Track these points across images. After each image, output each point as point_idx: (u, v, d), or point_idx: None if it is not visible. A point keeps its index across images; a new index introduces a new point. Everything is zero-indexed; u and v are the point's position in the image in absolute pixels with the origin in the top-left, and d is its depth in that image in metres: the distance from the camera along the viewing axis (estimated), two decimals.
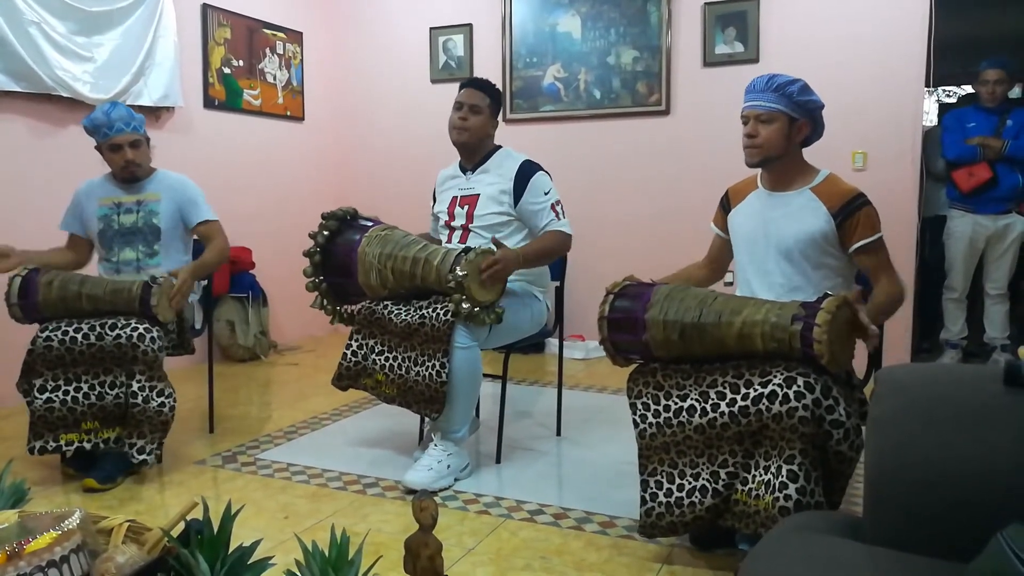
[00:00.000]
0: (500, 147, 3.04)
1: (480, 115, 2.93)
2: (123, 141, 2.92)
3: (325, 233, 2.84)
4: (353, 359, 2.81)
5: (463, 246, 2.76)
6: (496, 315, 2.67)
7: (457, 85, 3.09)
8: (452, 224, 3.00)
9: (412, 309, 2.68)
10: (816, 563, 1.26)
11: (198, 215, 3.09)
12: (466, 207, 2.97)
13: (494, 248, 2.70)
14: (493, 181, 2.94)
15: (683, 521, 2.02)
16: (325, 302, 2.89)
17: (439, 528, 1.34)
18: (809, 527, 1.42)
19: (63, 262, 3.02)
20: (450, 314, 2.59)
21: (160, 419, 2.68)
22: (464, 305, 2.56)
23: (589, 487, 2.69)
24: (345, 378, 2.84)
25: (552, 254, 2.92)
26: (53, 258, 3.00)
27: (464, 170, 3.04)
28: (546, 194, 2.90)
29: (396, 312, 2.71)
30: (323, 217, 2.87)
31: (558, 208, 2.90)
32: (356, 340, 2.81)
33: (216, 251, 3.08)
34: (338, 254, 2.83)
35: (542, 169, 2.96)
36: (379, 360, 2.75)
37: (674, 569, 2.11)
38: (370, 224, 2.89)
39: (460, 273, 2.56)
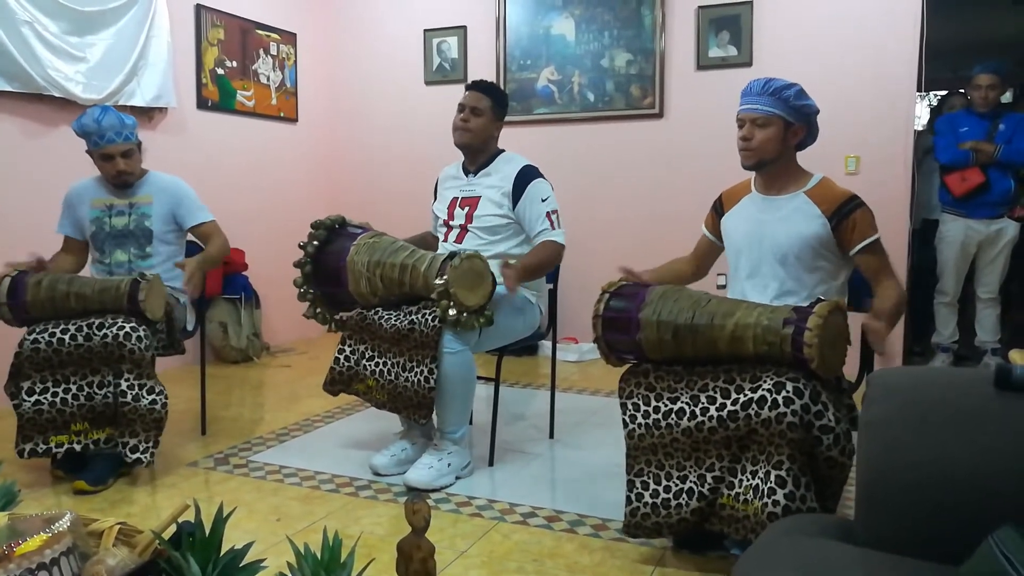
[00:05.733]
0: (503, 151, 3.04)
1: (482, 117, 2.94)
2: (115, 151, 2.91)
3: (315, 243, 2.84)
4: (345, 364, 2.82)
5: (450, 250, 2.76)
6: (486, 318, 2.67)
7: (454, 87, 3.10)
8: (451, 223, 3.01)
9: (402, 315, 2.69)
10: (808, 566, 1.27)
11: (194, 217, 3.08)
12: (466, 208, 2.97)
13: (480, 253, 2.70)
14: (494, 184, 2.95)
15: (668, 523, 2.03)
16: (318, 311, 2.90)
17: (431, 531, 1.33)
18: (801, 530, 1.42)
19: (66, 269, 3.01)
20: (438, 320, 2.59)
21: (152, 417, 2.66)
22: (451, 312, 2.56)
23: (582, 490, 2.69)
24: (337, 383, 2.85)
25: (548, 265, 2.93)
26: (58, 267, 2.98)
27: (467, 171, 3.04)
28: (543, 201, 2.90)
29: (386, 318, 2.71)
30: (312, 226, 2.87)
31: (554, 217, 2.90)
32: (348, 345, 2.82)
33: (218, 246, 3.09)
34: (328, 263, 2.83)
35: (542, 176, 2.96)
36: (370, 366, 2.76)
37: (666, 572, 2.11)
38: (359, 231, 2.89)
39: (442, 280, 2.55)
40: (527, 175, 2.92)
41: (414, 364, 2.63)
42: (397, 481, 2.73)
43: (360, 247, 2.80)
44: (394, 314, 2.71)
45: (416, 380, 2.61)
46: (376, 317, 2.74)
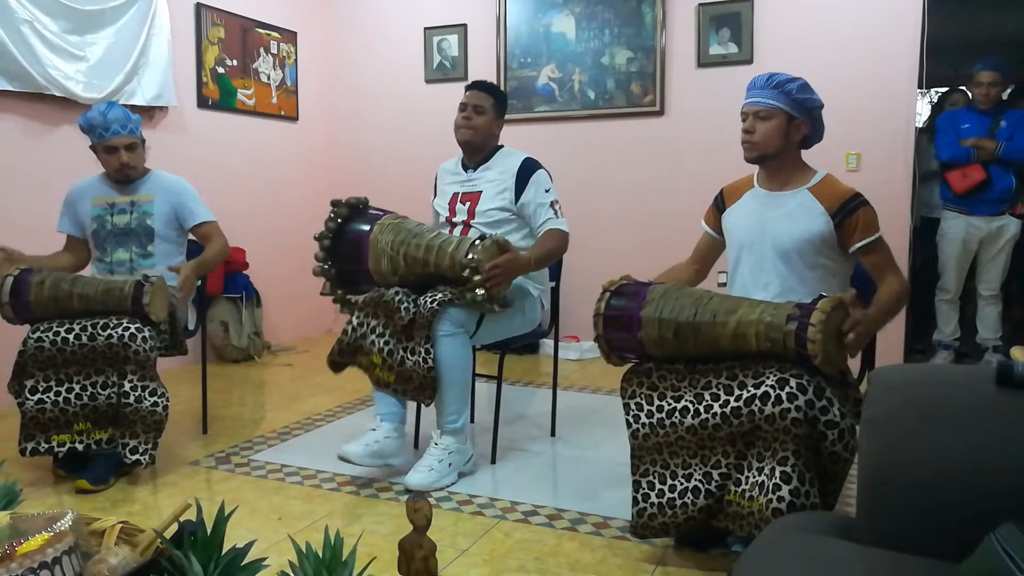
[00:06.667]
0: (502, 146, 3.07)
1: (484, 115, 2.97)
2: (119, 144, 2.92)
3: (337, 220, 2.83)
4: (353, 335, 2.78)
5: (478, 234, 2.78)
6: (503, 303, 2.70)
7: (455, 85, 3.12)
8: (453, 220, 3.01)
9: (414, 305, 2.68)
10: (809, 563, 1.26)
11: (195, 217, 3.09)
12: (468, 203, 2.99)
13: (506, 239, 2.72)
14: (495, 178, 2.97)
15: (675, 522, 2.02)
16: (339, 292, 2.87)
17: (433, 529, 1.33)
18: (802, 527, 1.42)
19: (64, 266, 3.01)
20: (452, 300, 2.60)
21: (153, 419, 2.67)
22: (479, 291, 2.57)
23: (583, 488, 2.69)
24: (344, 354, 2.80)
25: (556, 254, 2.94)
26: (53, 264, 2.98)
27: (466, 167, 3.05)
28: (547, 192, 2.93)
29: (406, 305, 2.67)
30: (333, 204, 2.86)
31: (557, 207, 2.93)
32: (358, 317, 2.79)
33: (217, 249, 3.10)
34: (347, 240, 2.83)
35: (543, 167, 2.99)
36: (379, 342, 2.72)
37: (668, 570, 2.11)
38: (381, 213, 2.89)
39: (475, 257, 2.57)
40: (529, 167, 2.95)
41: (414, 345, 2.63)
42: (397, 480, 2.73)
43: (384, 226, 2.79)
44: (413, 305, 2.67)
45: (417, 361, 2.61)
46: (395, 299, 2.69)
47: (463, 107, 2.98)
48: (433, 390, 2.63)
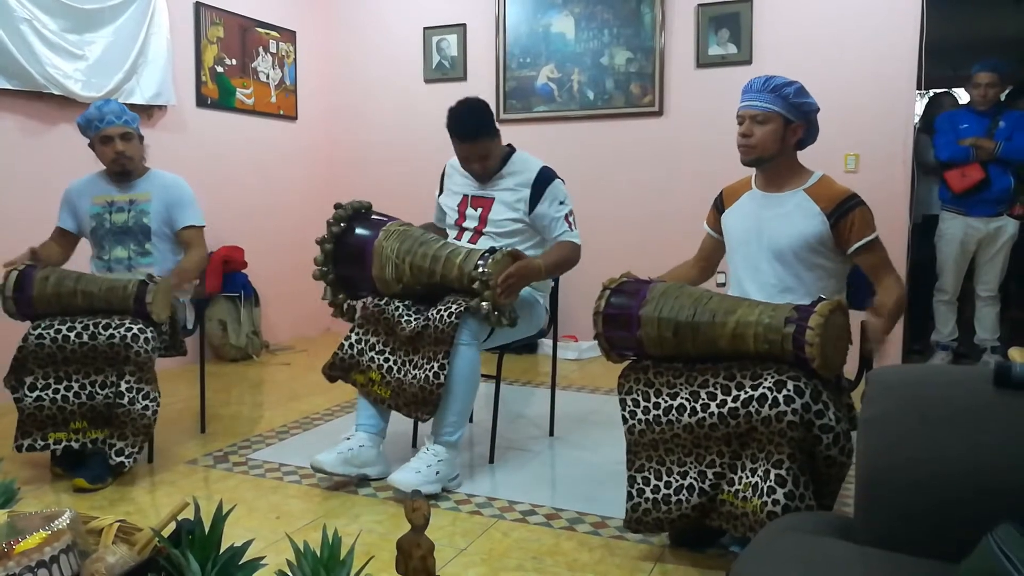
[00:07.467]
0: (514, 151, 2.99)
1: (490, 157, 2.88)
2: (114, 133, 2.91)
3: (341, 224, 2.80)
4: (348, 351, 2.76)
5: (489, 245, 2.75)
6: (511, 319, 2.68)
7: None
8: (464, 225, 2.96)
9: (421, 317, 2.65)
10: (807, 563, 1.27)
11: (184, 219, 3.06)
12: (479, 209, 2.94)
13: (518, 250, 2.70)
14: (510, 187, 2.91)
15: (668, 518, 2.03)
16: (340, 297, 2.86)
17: (431, 528, 1.33)
18: (800, 528, 1.42)
19: (54, 257, 3.00)
20: (467, 309, 2.58)
21: (143, 423, 2.65)
22: (484, 304, 2.56)
23: (582, 487, 2.69)
24: (337, 368, 2.79)
25: (568, 264, 2.92)
26: (47, 253, 2.97)
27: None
28: (561, 204, 2.89)
29: (407, 318, 2.67)
30: (336, 207, 2.83)
31: (571, 219, 2.91)
32: (356, 333, 2.77)
33: (194, 260, 3.04)
34: (353, 245, 2.80)
35: (558, 176, 2.95)
36: (377, 359, 2.72)
37: (666, 569, 2.11)
38: (385, 219, 2.87)
39: (487, 272, 2.56)
40: (546, 178, 2.90)
41: (425, 360, 2.60)
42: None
43: (390, 233, 2.77)
44: (414, 316, 2.66)
45: (425, 376, 2.57)
46: (396, 313, 2.68)
47: (467, 159, 2.87)
48: (435, 405, 2.59)
